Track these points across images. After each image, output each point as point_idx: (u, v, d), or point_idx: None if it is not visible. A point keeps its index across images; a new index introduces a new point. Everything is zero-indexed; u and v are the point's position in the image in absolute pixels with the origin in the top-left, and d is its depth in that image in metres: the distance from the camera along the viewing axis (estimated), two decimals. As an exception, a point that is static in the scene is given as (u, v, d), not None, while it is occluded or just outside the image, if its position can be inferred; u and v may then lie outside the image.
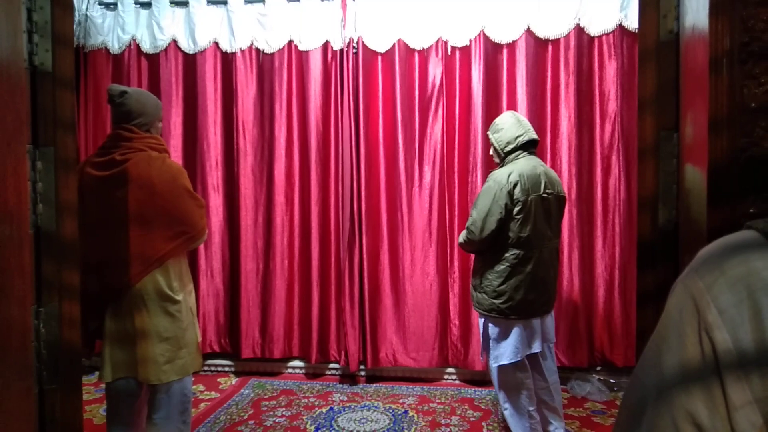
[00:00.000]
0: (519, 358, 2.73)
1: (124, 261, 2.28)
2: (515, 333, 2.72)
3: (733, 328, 0.51)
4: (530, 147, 2.84)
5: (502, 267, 2.71)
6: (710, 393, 0.51)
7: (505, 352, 2.74)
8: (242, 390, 3.91)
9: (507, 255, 2.70)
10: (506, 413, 2.84)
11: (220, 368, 4.25)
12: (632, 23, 3.73)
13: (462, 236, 2.84)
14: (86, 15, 4.23)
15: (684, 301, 0.56)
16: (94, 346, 2.46)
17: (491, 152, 2.94)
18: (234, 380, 4.12)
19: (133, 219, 2.28)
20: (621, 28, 3.82)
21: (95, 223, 2.29)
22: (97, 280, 2.29)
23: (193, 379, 2.57)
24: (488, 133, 2.93)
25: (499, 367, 2.78)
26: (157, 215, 2.31)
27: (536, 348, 2.77)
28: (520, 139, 2.78)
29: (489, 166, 3.87)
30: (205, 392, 3.88)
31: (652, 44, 1.27)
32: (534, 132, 2.85)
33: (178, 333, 2.38)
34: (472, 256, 3.85)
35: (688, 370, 0.53)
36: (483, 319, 2.85)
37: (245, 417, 3.46)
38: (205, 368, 4.22)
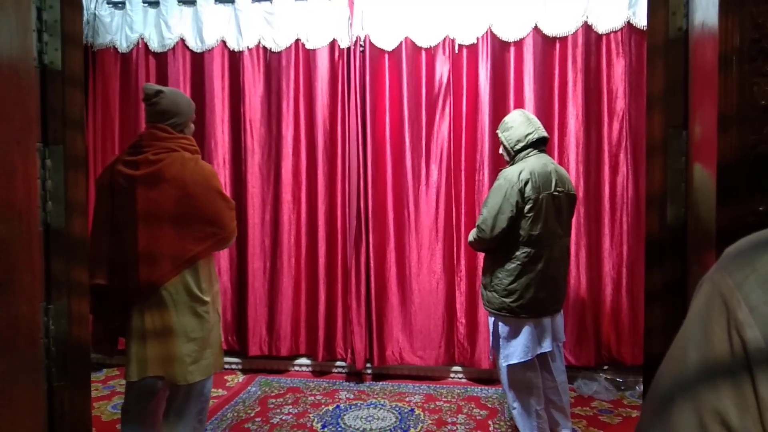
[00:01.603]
0: (529, 357, 2.72)
1: (155, 260, 2.27)
2: (526, 332, 2.71)
3: (765, 326, 0.49)
4: (540, 145, 2.82)
5: (513, 265, 2.70)
6: (740, 392, 0.50)
7: (515, 351, 2.73)
8: (249, 387, 3.92)
9: (518, 253, 2.69)
10: (515, 412, 2.83)
11: (227, 366, 4.26)
12: (640, 21, 3.71)
13: (472, 235, 2.83)
14: (95, 14, 4.25)
15: (712, 299, 0.55)
16: (117, 343, 2.46)
17: (501, 151, 2.92)
18: (241, 378, 4.13)
19: (165, 218, 2.28)
20: (629, 26, 3.80)
21: (126, 221, 2.29)
22: (125, 277, 2.28)
23: (212, 379, 2.57)
24: (498, 131, 2.91)
25: (509, 366, 2.77)
26: (189, 216, 2.31)
27: (546, 347, 2.76)
28: (530, 137, 2.77)
29: (496, 164, 3.87)
30: (212, 390, 3.88)
31: (661, 42, 1.27)
32: (544, 130, 2.84)
33: (205, 333, 2.37)
34: (480, 254, 3.87)
35: (716, 369, 0.52)
36: (493, 318, 2.84)
37: (252, 414, 3.47)
38: (213, 366, 4.23)
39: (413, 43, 3.98)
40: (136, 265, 2.27)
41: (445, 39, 3.96)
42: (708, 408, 0.51)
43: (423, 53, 3.99)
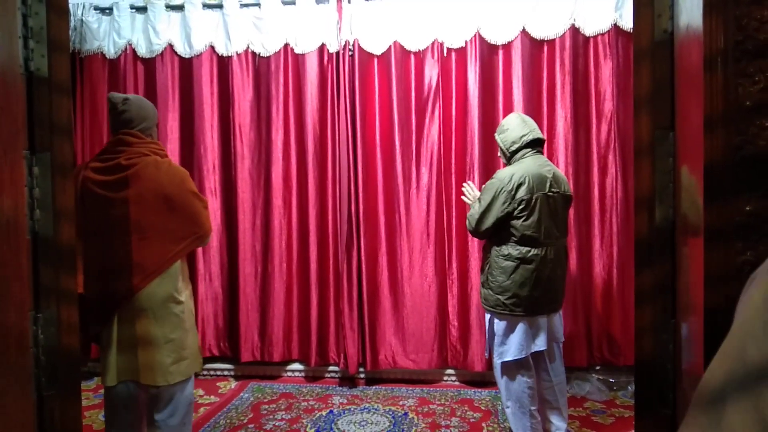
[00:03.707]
0: (523, 355, 2.75)
1: (136, 263, 2.27)
2: (520, 329, 2.74)
3: None
4: (536, 146, 2.87)
5: (507, 263, 2.74)
6: None
7: (509, 349, 2.76)
8: (242, 394, 3.90)
9: (513, 252, 2.73)
10: (508, 411, 2.85)
11: (219, 372, 4.24)
12: (627, 23, 3.74)
13: (466, 219, 2.91)
14: (82, 20, 4.22)
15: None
16: (90, 351, 2.47)
17: (499, 154, 2.98)
18: (233, 384, 4.11)
19: (144, 221, 2.30)
20: (616, 28, 3.83)
21: (102, 228, 2.29)
22: (104, 285, 2.28)
23: (193, 380, 2.59)
24: (495, 134, 2.97)
25: (503, 364, 2.79)
26: (167, 218, 2.33)
27: (540, 345, 2.78)
28: (524, 138, 2.82)
29: (486, 166, 3.89)
30: (205, 396, 3.87)
31: (647, 44, 1.28)
32: (539, 131, 2.89)
33: (182, 334, 2.40)
34: (471, 257, 3.90)
35: None
36: (489, 316, 2.87)
37: (245, 421, 3.46)
38: (205, 372, 4.21)
39: (402, 47, 3.99)
40: (117, 271, 2.28)
41: (433, 43, 3.97)
42: None
43: (412, 57, 4.00)
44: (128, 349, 2.31)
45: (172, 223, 2.34)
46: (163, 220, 2.32)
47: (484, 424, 3.34)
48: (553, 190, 2.77)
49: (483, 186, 2.87)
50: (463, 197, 3.08)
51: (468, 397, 3.77)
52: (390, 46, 3.98)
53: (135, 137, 2.37)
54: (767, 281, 0.55)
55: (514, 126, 2.86)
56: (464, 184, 3.11)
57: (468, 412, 3.51)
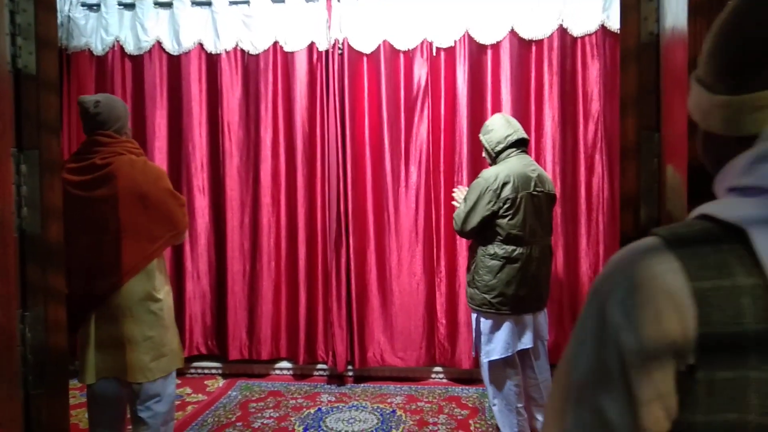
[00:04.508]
0: (510, 353, 2.77)
1: (111, 264, 2.28)
2: (506, 328, 2.76)
3: (637, 329, 0.54)
4: (521, 146, 2.89)
5: (493, 263, 2.76)
6: (618, 391, 0.55)
7: (496, 347, 2.78)
8: (230, 392, 3.89)
9: (498, 251, 2.75)
10: (495, 409, 2.87)
11: (207, 370, 4.23)
12: (614, 24, 3.77)
13: (453, 219, 2.94)
14: (69, 16, 4.18)
15: (593, 306, 0.60)
16: (76, 351, 2.47)
17: (484, 154, 2.99)
18: (221, 382, 4.10)
19: (120, 220, 2.30)
20: (603, 29, 3.86)
21: (79, 228, 2.29)
22: (82, 284, 2.29)
23: (176, 378, 2.60)
24: (479, 135, 2.98)
25: (490, 362, 2.81)
26: (142, 216, 2.34)
27: (527, 343, 2.80)
28: (509, 138, 2.84)
29: (475, 165, 3.90)
30: (193, 395, 3.86)
31: (634, 45, 1.29)
32: (523, 131, 2.91)
33: (161, 331, 2.41)
34: (459, 256, 3.92)
35: (598, 371, 0.57)
36: (475, 315, 2.89)
37: (233, 419, 3.45)
38: (192, 370, 4.19)
39: (391, 46, 4.00)
40: (95, 270, 2.29)
41: (423, 42, 3.98)
42: (593, 407, 0.56)
43: (401, 56, 4.01)
44: (106, 347, 2.32)
45: (148, 222, 2.35)
46: (139, 219, 2.33)
47: (471, 422, 3.36)
48: (537, 189, 2.80)
49: (469, 186, 2.90)
50: (453, 202, 3.09)
51: (455, 394, 3.79)
52: (379, 45, 3.99)
53: (109, 137, 2.38)
54: (592, 296, 0.61)
55: (499, 126, 2.89)
56: (455, 189, 3.13)
57: (455, 410, 3.53)
